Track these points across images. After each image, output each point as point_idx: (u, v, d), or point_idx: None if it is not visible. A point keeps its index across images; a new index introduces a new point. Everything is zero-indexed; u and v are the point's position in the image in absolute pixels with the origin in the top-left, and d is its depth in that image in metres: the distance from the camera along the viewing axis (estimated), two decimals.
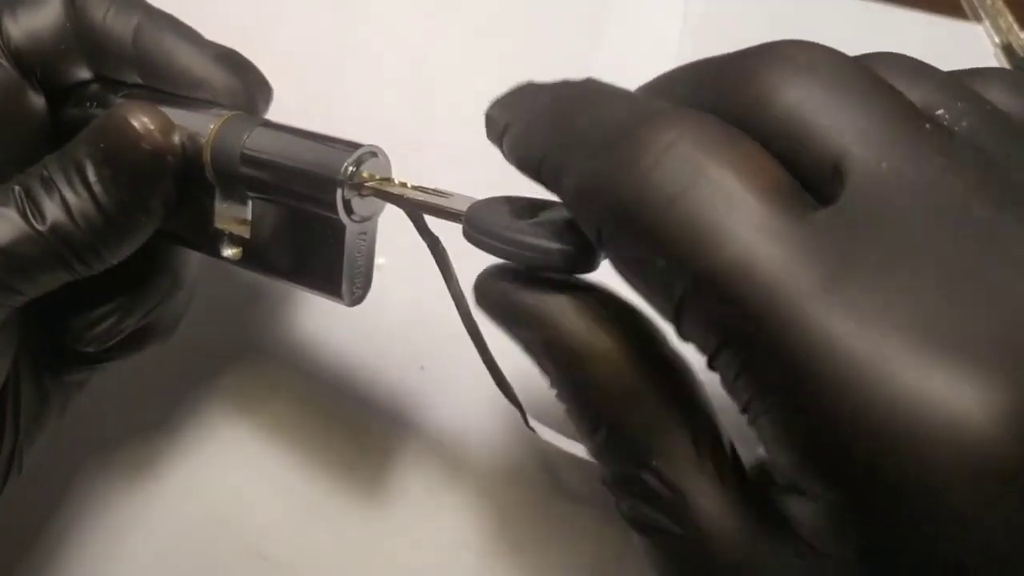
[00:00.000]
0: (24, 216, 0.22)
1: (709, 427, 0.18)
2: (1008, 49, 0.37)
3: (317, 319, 0.32)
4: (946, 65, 0.37)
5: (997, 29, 0.37)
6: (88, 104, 0.26)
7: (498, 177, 0.34)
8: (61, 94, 0.26)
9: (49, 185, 0.22)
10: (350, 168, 0.22)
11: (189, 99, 0.25)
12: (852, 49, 0.36)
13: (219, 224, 0.24)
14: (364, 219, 0.23)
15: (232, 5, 0.35)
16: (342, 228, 0.23)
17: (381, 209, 0.24)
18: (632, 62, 0.36)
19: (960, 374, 0.13)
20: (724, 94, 0.16)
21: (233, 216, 0.24)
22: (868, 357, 0.13)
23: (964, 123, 0.16)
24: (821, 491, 0.14)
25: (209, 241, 0.25)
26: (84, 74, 0.26)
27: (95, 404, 0.31)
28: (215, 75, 0.25)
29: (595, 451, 0.19)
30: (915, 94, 0.16)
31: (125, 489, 0.31)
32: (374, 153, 0.23)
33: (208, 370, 0.32)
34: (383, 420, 0.31)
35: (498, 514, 0.31)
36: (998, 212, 0.14)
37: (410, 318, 0.32)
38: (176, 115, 0.24)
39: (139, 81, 0.25)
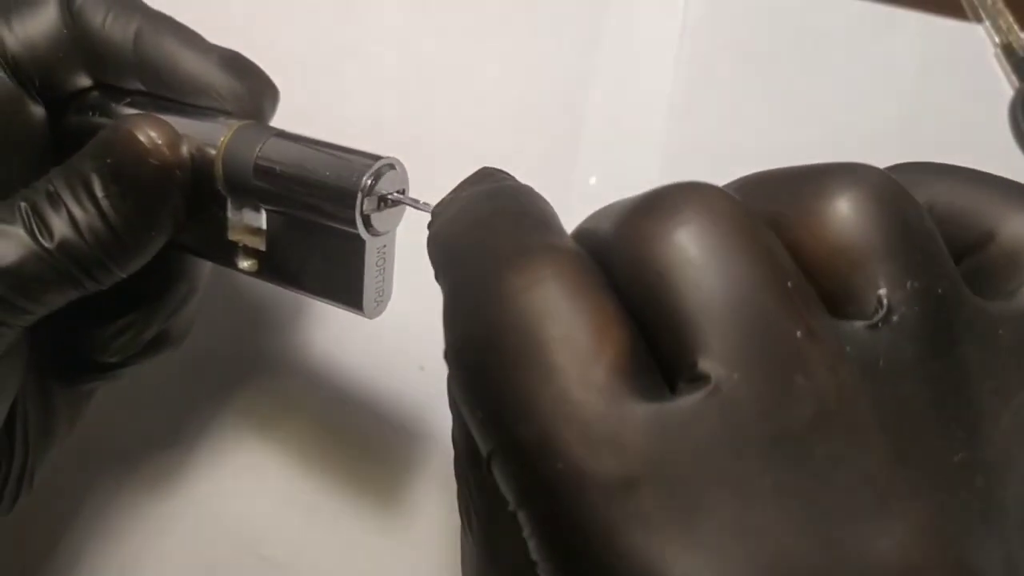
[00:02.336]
0: (31, 234, 0.21)
1: None
2: (1008, 49, 0.37)
3: (316, 321, 0.32)
4: (944, 65, 0.37)
5: (997, 29, 0.37)
6: (90, 112, 0.25)
7: None
8: (61, 103, 0.25)
9: (56, 201, 0.22)
10: (368, 181, 0.21)
11: (194, 107, 0.24)
12: (852, 49, 0.36)
13: (233, 236, 0.24)
14: (383, 232, 0.22)
15: (232, 6, 0.35)
16: (362, 242, 0.22)
17: (399, 221, 0.23)
18: (632, 62, 0.36)
19: None
20: (617, 245, 0.15)
21: (247, 227, 0.24)
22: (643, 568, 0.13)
23: (896, 317, 0.14)
24: None
25: (224, 253, 0.24)
26: (84, 81, 0.25)
27: (102, 419, 0.30)
28: (220, 81, 0.24)
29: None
30: (876, 262, 0.14)
31: (131, 500, 0.31)
32: (392, 165, 0.22)
33: (209, 371, 0.32)
34: (383, 420, 0.31)
35: None
36: (835, 469, 0.13)
37: (409, 318, 0.32)
38: (183, 125, 0.23)
39: (141, 87, 0.25)
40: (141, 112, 0.24)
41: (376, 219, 0.22)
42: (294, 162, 0.22)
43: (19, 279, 0.21)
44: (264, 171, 0.22)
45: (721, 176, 0.35)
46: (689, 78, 0.36)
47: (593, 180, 0.34)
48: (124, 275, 0.23)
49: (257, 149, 0.22)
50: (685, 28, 0.36)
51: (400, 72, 0.35)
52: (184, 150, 0.23)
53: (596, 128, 0.35)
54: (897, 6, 0.37)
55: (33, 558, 0.30)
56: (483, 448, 0.15)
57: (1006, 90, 0.36)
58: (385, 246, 0.23)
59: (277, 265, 0.24)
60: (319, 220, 0.22)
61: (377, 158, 0.22)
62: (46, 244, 0.21)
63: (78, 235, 0.21)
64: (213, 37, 0.27)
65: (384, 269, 0.23)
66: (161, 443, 0.31)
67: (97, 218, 0.22)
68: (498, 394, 0.14)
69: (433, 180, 0.34)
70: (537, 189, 0.35)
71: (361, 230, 0.22)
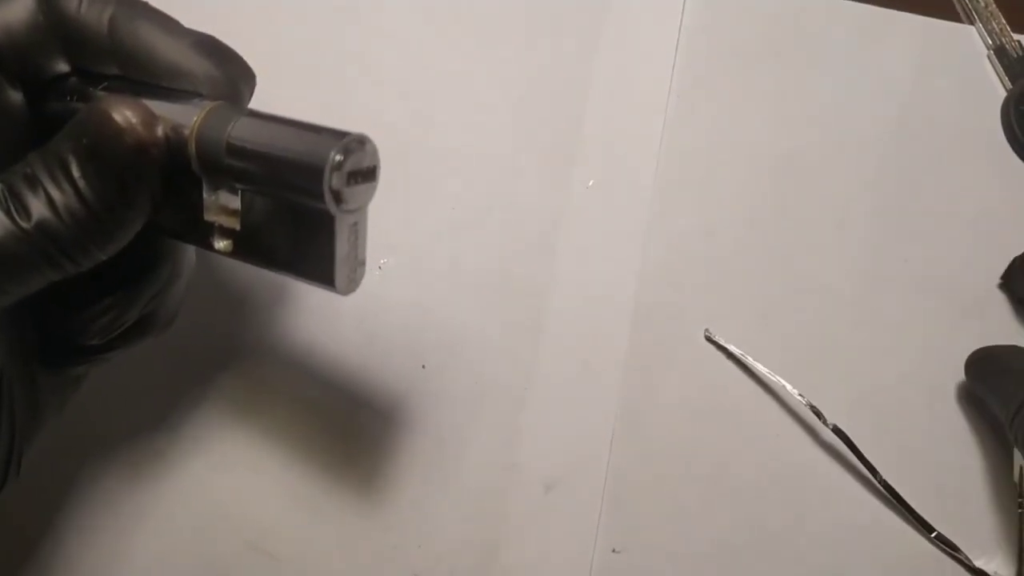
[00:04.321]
0: (8, 214, 0.21)
1: None
2: (1000, 51, 0.37)
3: (319, 318, 0.33)
4: (938, 67, 0.38)
5: (990, 31, 0.37)
6: (69, 98, 0.25)
7: (495, 178, 0.35)
8: (40, 89, 0.25)
9: (33, 182, 0.22)
10: (337, 157, 0.21)
11: (170, 90, 0.24)
12: (847, 51, 0.37)
13: (208, 216, 0.24)
14: (354, 209, 0.23)
15: (236, 11, 0.35)
16: (332, 218, 0.22)
17: (370, 197, 0.23)
18: (630, 66, 0.36)
19: None
20: None
21: (222, 208, 0.24)
22: None
23: None
24: None
25: (200, 234, 0.24)
26: (62, 67, 0.25)
27: (95, 405, 0.31)
28: (195, 64, 0.24)
29: None
30: None
31: (126, 488, 0.31)
32: (361, 142, 0.22)
33: (210, 368, 0.32)
34: (384, 417, 0.32)
35: (497, 508, 0.31)
36: None
37: (411, 317, 0.33)
38: (158, 107, 0.23)
39: (118, 72, 0.25)
40: (116, 93, 0.23)
41: (347, 195, 0.22)
42: (265, 140, 0.22)
43: None
44: (236, 150, 0.22)
45: (717, 178, 0.35)
46: (687, 81, 0.36)
47: (591, 182, 0.35)
48: (103, 256, 0.23)
49: (229, 128, 0.22)
50: (683, 32, 0.37)
51: (402, 76, 0.36)
52: (159, 130, 0.23)
53: (594, 131, 0.35)
54: (891, 9, 0.38)
55: (21, 541, 0.31)
56: None
57: (998, 91, 0.37)
58: (356, 223, 0.23)
59: (252, 245, 0.24)
60: (291, 197, 0.22)
61: (346, 134, 0.22)
62: (23, 224, 0.21)
63: (55, 215, 0.21)
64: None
65: (357, 246, 0.23)
66: (148, 427, 0.32)
67: (74, 198, 0.22)
68: None
69: (435, 181, 0.35)
70: (536, 191, 0.35)
71: (331, 205, 0.22)
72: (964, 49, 0.38)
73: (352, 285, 0.24)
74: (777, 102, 0.36)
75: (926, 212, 0.35)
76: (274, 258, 0.24)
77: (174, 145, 0.23)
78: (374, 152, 0.23)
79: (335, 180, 0.21)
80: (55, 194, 0.22)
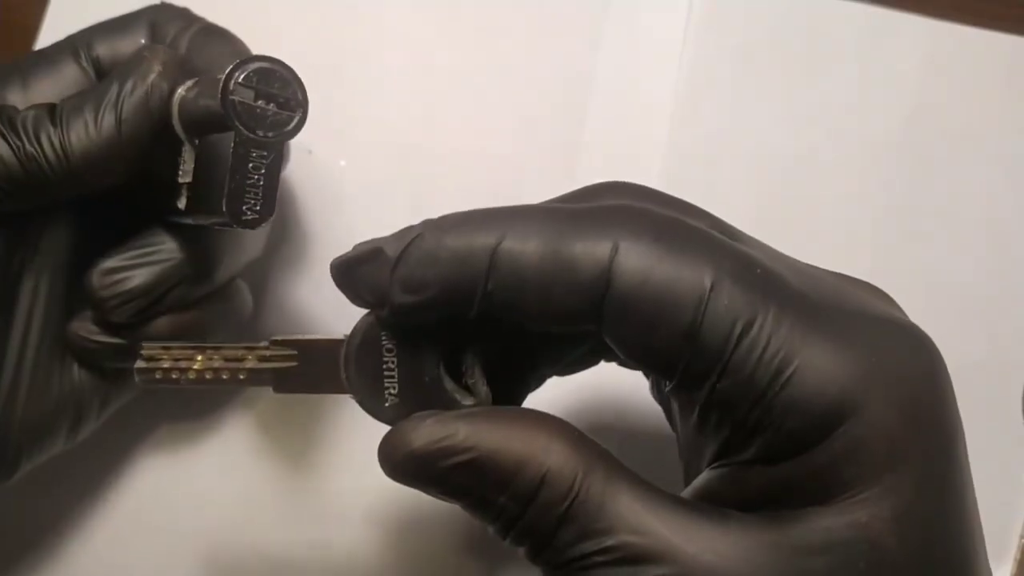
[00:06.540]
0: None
1: None
2: None
3: (318, 320, 0.33)
4: (949, 71, 0.37)
5: None
6: None
7: (497, 179, 0.35)
8: None
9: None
10: (236, 72, 0.22)
11: None
12: (856, 52, 0.36)
13: (182, 180, 0.25)
14: (262, 136, 0.23)
15: (237, 8, 0.35)
16: (238, 143, 0.22)
17: (286, 133, 0.23)
18: (634, 66, 0.36)
19: None
20: None
21: (184, 169, 0.25)
22: None
23: None
24: None
25: (171, 201, 0.26)
26: None
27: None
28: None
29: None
30: None
31: (125, 490, 0.31)
32: (272, 62, 0.22)
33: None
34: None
35: None
36: None
37: None
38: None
39: None
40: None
41: (252, 115, 0.22)
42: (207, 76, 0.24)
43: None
44: (188, 102, 0.24)
45: (724, 180, 0.35)
46: (692, 81, 0.36)
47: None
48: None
49: (184, 85, 0.24)
50: (688, 31, 0.36)
51: (403, 76, 0.35)
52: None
53: (598, 132, 0.35)
54: (898, 10, 0.37)
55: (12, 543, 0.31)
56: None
57: (1004, 93, 0.37)
58: (267, 155, 0.23)
59: (199, 196, 0.25)
60: (210, 120, 0.23)
61: (260, 57, 0.22)
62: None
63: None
64: None
65: (264, 177, 0.23)
66: (140, 438, 0.32)
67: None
68: None
69: (435, 181, 0.34)
70: (538, 191, 0.35)
71: (229, 116, 0.22)
72: (972, 52, 0.37)
73: (250, 219, 0.23)
74: (785, 103, 0.36)
75: (936, 214, 0.35)
76: (211, 206, 0.24)
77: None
78: (293, 82, 0.23)
79: (238, 92, 0.22)
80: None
